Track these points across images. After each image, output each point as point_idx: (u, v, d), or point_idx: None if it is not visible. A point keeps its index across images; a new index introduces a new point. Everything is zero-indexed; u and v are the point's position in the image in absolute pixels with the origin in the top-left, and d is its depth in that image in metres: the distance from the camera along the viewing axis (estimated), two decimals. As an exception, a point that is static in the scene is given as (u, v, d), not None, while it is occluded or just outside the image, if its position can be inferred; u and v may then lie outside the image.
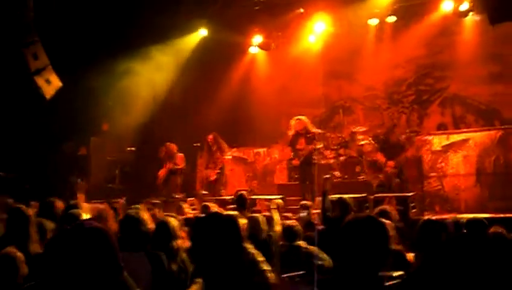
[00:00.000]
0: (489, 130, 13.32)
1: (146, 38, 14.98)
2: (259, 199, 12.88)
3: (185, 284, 4.92)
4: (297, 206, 10.21)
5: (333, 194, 9.13)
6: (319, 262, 6.25)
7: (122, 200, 10.05)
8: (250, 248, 4.85)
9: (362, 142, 13.99)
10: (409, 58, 16.00)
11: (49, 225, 5.29)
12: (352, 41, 15.83)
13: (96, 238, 2.43)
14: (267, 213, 7.92)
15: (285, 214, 9.44)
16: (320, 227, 8.06)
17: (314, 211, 9.38)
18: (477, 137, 12.90)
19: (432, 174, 13.10)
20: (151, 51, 15.32)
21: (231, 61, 17.26)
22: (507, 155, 12.41)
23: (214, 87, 16.67)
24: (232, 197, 10.56)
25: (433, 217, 6.52)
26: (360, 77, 16.67)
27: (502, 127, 13.26)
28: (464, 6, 13.89)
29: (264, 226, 6.63)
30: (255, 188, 15.34)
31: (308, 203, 9.71)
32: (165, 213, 7.06)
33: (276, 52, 16.90)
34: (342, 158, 14.20)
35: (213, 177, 14.70)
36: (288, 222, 7.31)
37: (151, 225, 5.20)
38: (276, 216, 7.47)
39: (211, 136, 14.68)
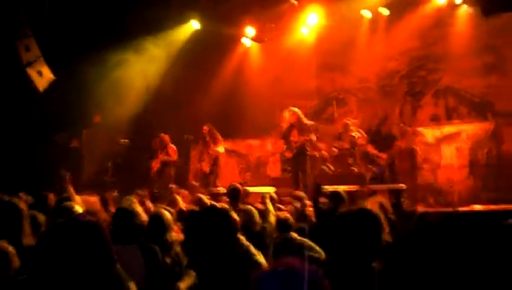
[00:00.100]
0: (482, 122, 13.36)
1: (138, 30, 14.91)
2: (253, 191, 12.88)
3: (178, 277, 4.91)
4: (290, 198, 10.20)
5: (326, 185, 9.14)
6: (313, 254, 6.26)
7: (114, 193, 10.03)
8: (243, 240, 4.84)
9: (354, 134, 13.99)
10: (403, 50, 16.01)
11: (41, 217, 5.27)
12: (345, 33, 15.81)
13: (88, 232, 2.42)
14: (260, 205, 7.90)
15: (278, 205, 9.43)
16: (313, 220, 8.08)
17: (307, 202, 9.38)
18: (470, 129, 12.95)
19: (425, 166, 13.13)
20: (144, 43, 15.25)
21: (224, 53, 17.22)
22: (500, 147, 12.46)
23: (207, 79, 16.64)
24: (226, 189, 10.54)
25: (429, 210, 6.55)
26: (353, 69, 16.66)
27: (495, 119, 13.30)
28: (458, -2, 13.92)
29: (257, 218, 6.62)
30: (248, 180, 15.33)
31: (301, 194, 9.69)
32: (158, 205, 7.03)
33: (269, 44, 16.89)
34: (335, 150, 14.19)
35: (207, 169, 14.67)
36: (280, 213, 7.30)
37: (144, 218, 5.18)
38: (270, 207, 7.45)
39: (205, 128, 14.63)
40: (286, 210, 8.56)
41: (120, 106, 14.83)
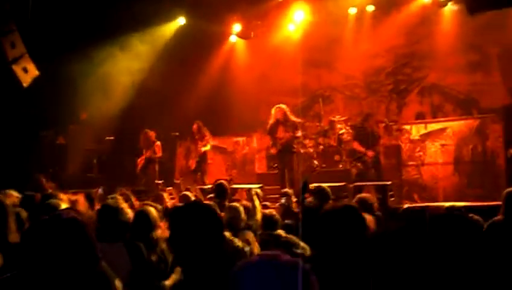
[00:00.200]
0: (467, 119, 13.44)
1: (125, 26, 14.86)
2: (239, 188, 12.88)
3: (164, 274, 4.91)
4: (277, 195, 10.21)
5: (312, 182, 9.15)
6: (299, 251, 6.27)
7: (100, 190, 9.99)
8: (228, 236, 4.84)
9: (341, 131, 14.03)
10: (388, 48, 16.05)
11: (24, 214, 5.24)
12: (331, 30, 15.83)
13: (72, 229, 2.41)
14: (245, 202, 7.90)
15: (264, 203, 9.43)
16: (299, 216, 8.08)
17: (294, 200, 9.39)
18: (455, 126, 13.02)
19: (411, 162, 13.20)
20: (130, 39, 15.22)
21: (210, 50, 17.20)
22: (485, 144, 12.54)
23: (193, 76, 16.61)
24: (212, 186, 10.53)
25: (413, 205, 6.58)
26: (339, 66, 16.69)
27: (480, 116, 13.38)
28: (443, -4, 13.99)
29: (243, 215, 6.62)
30: (235, 177, 15.33)
31: (289, 191, 9.70)
32: (144, 202, 7.02)
33: (255, 40, 16.88)
34: (321, 147, 14.22)
35: (194, 167, 14.68)
36: (267, 211, 7.31)
37: (129, 214, 5.16)
38: (257, 204, 7.46)
39: (195, 126, 14.63)
40: (272, 207, 8.58)
41: (106, 103, 14.79)
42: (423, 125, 13.53)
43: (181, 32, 16.39)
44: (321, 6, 15.53)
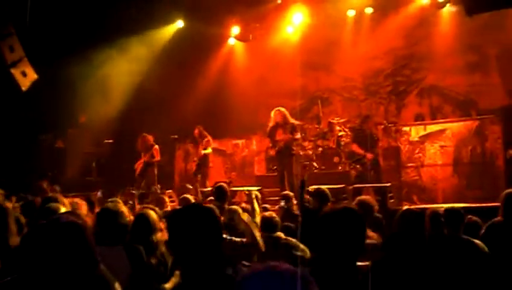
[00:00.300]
0: (466, 120, 13.43)
1: (124, 29, 14.87)
2: (238, 190, 12.87)
3: (164, 277, 4.90)
4: (276, 197, 10.20)
5: (312, 184, 9.15)
6: (299, 253, 6.27)
7: (99, 193, 10.01)
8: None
9: (340, 134, 14.03)
10: (387, 50, 16.06)
11: (23, 219, 5.23)
12: (330, 32, 15.84)
13: (70, 233, 2.41)
14: (244, 205, 7.91)
15: (264, 205, 9.43)
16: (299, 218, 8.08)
17: (294, 201, 9.38)
18: (454, 127, 13.01)
19: (410, 164, 13.19)
20: (129, 42, 15.22)
21: (209, 53, 17.21)
22: (484, 145, 12.53)
23: (192, 79, 16.61)
24: (211, 188, 10.53)
25: (412, 207, 6.58)
26: (338, 68, 16.71)
27: (479, 117, 13.38)
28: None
29: (242, 217, 6.61)
30: (234, 179, 15.33)
31: (290, 193, 9.69)
32: (143, 205, 7.02)
33: (254, 43, 16.89)
34: (320, 149, 14.21)
35: (194, 169, 14.69)
36: (266, 213, 7.30)
37: (129, 218, 5.15)
38: (256, 207, 7.45)
39: (196, 130, 14.65)
40: (272, 209, 8.58)
41: (105, 106, 14.79)
42: (422, 126, 13.52)
43: (179, 35, 16.40)
44: (319, 9, 15.54)
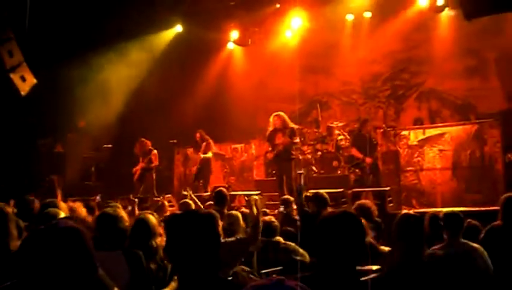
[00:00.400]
0: (465, 124, 13.44)
1: (123, 34, 14.89)
2: (237, 195, 12.87)
3: (163, 282, 4.89)
4: (275, 202, 10.20)
5: (311, 189, 9.15)
6: (298, 258, 6.28)
7: (98, 197, 9.99)
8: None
9: (339, 138, 14.03)
10: (386, 53, 16.08)
11: (21, 223, 5.22)
12: (328, 36, 15.86)
13: (69, 238, 2.40)
14: (244, 209, 7.90)
15: (263, 209, 9.42)
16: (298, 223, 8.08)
17: (294, 206, 9.38)
18: (453, 131, 13.00)
19: (409, 168, 13.18)
20: (128, 47, 15.23)
21: (208, 57, 17.22)
22: (483, 149, 12.53)
23: (191, 83, 16.63)
24: (211, 193, 10.53)
25: (411, 211, 6.57)
26: (336, 72, 16.72)
27: (478, 121, 13.38)
28: (440, 2, 14.00)
29: (241, 222, 6.62)
30: (233, 184, 15.32)
31: (290, 198, 9.69)
32: (144, 212, 7.01)
33: (253, 47, 16.90)
34: (319, 153, 14.20)
35: (195, 173, 14.69)
36: (266, 217, 7.30)
37: (128, 222, 5.14)
38: (255, 211, 7.45)
39: (197, 134, 14.65)
40: (272, 214, 8.58)
41: (104, 110, 14.78)
42: (421, 130, 13.51)
43: (178, 39, 16.41)
44: (318, 13, 15.54)
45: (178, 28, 16.46)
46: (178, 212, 7.65)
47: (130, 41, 15.23)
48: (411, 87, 15.85)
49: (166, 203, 10.22)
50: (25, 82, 12.34)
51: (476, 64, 14.76)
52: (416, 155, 13.12)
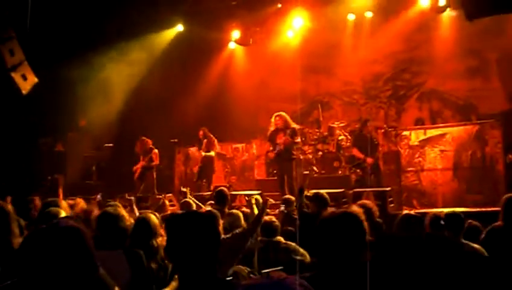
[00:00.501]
0: (466, 124, 13.43)
1: (124, 33, 14.89)
2: (238, 194, 12.86)
3: (164, 282, 4.88)
4: (276, 202, 10.19)
5: (312, 189, 9.13)
6: (298, 257, 6.27)
7: (98, 196, 9.98)
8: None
9: (340, 138, 14.03)
10: (387, 54, 16.07)
11: (22, 222, 5.23)
12: (330, 36, 15.84)
13: (69, 237, 2.40)
14: (245, 209, 7.90)
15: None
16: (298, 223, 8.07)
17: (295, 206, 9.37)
18: (454, 132, 13.01)
19: (410, 168, 13.18)
20: (129, 46, 15.23)
21: (209, 57, 17.22)
22: (484, 149, 12.53)
23: (192, 83, 16.62)
24: (212, 192, 10.52)
25: (412, 212, 6.57)
26: (338, 72, 16.71)
27: (479, 121, 13.38)
28: (441, 2, 13.98)
29: (242, 222, 6.62)
30: (234, 183, 15.32)
31: (291, 198, 9.68)
32: (144, 210, 7.01)
33: (254, 47, 16.88)
34: (320, 153, 14.19)
35: (197, 172, 14.68)
36: (266, 217, 7.29)
37: (129, 222, 5.13)
38: (256, 211, 7.45)
39: (201, 132, 14.64)
40: (272, 213, 8.57)
41: (105, 109, 14.79)
42: (422, 131, 13.51)
43: (180, 39, 16.40)
44: (320, 13, 15.52)
45: (179, 28, 16.45)
46: (179, 211, 7.66)
47: (131, 41, 15.23)
48: (412, 88, 15.85)
49: (167, 202, 10.22)
50: (26, 81, 12.34)
51: (477, 65, 14.76)
52: (417, 155, 13.13)
